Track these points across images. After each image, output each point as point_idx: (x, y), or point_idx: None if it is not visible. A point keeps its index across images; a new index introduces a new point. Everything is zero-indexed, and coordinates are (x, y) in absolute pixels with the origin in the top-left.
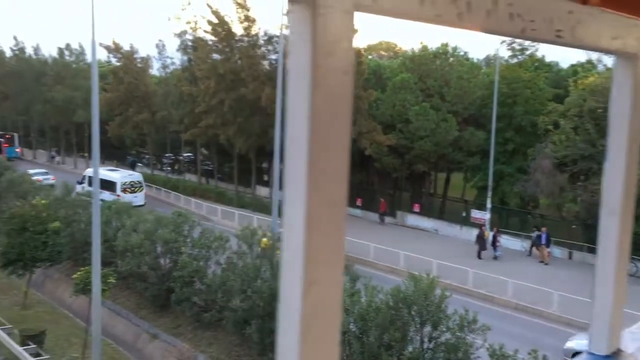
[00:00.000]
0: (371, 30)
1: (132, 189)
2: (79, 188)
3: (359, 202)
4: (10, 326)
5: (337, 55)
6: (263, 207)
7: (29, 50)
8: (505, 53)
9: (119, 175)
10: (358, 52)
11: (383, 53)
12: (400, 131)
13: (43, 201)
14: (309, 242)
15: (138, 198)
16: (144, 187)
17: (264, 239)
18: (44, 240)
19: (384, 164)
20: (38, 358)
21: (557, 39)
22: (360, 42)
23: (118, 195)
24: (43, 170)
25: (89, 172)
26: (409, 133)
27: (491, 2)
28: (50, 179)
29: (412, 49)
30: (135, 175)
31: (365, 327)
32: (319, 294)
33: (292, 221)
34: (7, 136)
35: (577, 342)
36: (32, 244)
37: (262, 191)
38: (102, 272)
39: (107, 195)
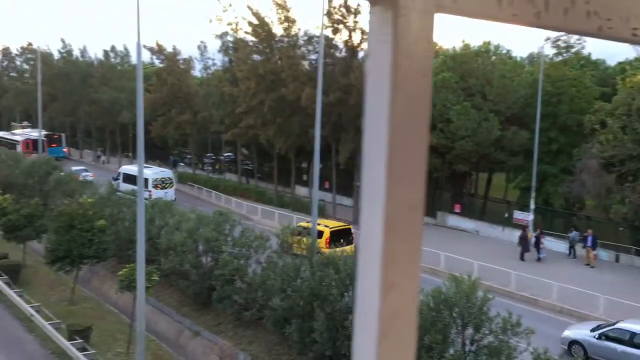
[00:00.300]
0: None
1: (163, 185)
2: (113, 184)
3: None
4: (58, 321)
5: (417, 56)
6: (302, 206)
7: (76, 52)
8: (549, 51)
9: (151, 172)
10: None
11: None
12: (441, 131)
13: (89, 200)
14: (387, 245)
15: (168, 194)
16: (174, 184)
17: (304, 238)
18: (90, 238)
19: None
20: (84, 353)
21: (634, 38)
22: None
23: (149, 191)
24: (82, 168)
25: (124, 169)
26: (449, 133)
27: (569, 0)
28: (89, 176)
29: (454, 47)
30: (166, 172)
31: None
32: (397, 298)
33: (370, 224)
34: (55, 136)
35: (575, 331)
36: (79, 242)
37: (301, 191)
38: (146, 269)
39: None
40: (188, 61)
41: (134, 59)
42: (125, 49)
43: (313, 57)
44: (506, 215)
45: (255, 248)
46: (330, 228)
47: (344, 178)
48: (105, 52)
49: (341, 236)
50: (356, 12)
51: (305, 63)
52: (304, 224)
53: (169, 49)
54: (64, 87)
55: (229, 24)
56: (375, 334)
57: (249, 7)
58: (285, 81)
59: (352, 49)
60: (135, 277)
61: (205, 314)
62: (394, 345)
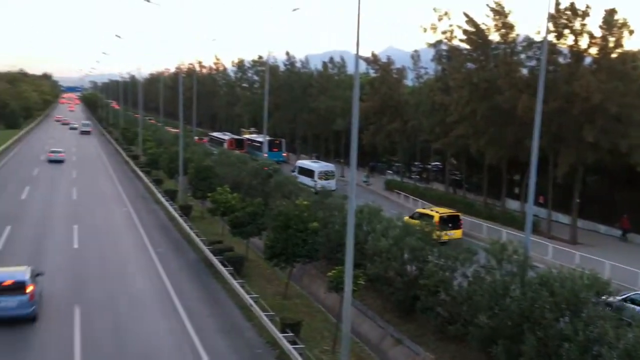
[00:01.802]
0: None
1: (326, 176)
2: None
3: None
4: (272, 313)
5: None
6: (513, 220)
7: (298, 64)
8: None
9: (317, 165)
10: (633, 55)
11: None
12: None
13: (305, 202)
14: None
15: (330, 184)
16: (335, 176)
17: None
18: (304, 238)
19: None
20: (295, 346)
21: None
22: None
23: (315, 181)
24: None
25: (300, 163)
26: None
27: None
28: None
29: None
30: (329, 166)
31: None
32: None
33: None
34: (276, 141)
35: None
36: (294, 241)
37: (512, 204)
38: (353, 273)
39: (308, 181)
40: (401, 70)
41: (350, 70)
42: (342, 59)
43: (532, 63)
44: None
45: (462, 261)
46: (440, 213)
47: (562, 193)
48: (324, 64)
49: (450, 221)
50: (584, 15)
51: (524, 70)
52: (421, 209)
53: (384, 59)
54: (287, 97)
55: (444, 32)
56: None
57: (464, 14)
58: (501, 89)
59: (577, 55)
60: (342, 279)
61: (407, 322)
62: None
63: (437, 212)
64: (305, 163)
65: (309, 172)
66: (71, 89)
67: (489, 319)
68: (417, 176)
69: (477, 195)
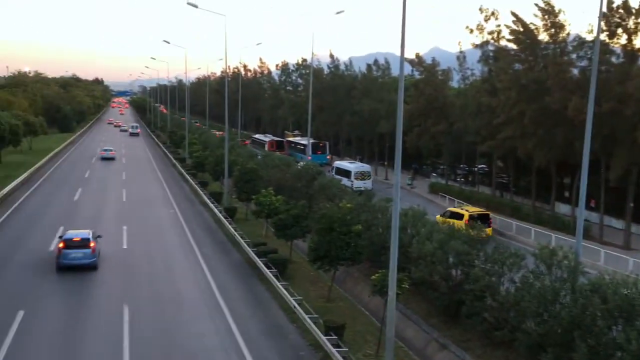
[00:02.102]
0: None
1: (362, 176)
2: (328, 175)
3: None
4: (316, 316)
5: None
6: (563, 225)
7: (342, 67)
8: None
9: (353, 166)
10: None
11: None
12: None
13: (348, 205)
14: None
15: (367, 184)
16: (371, 176)
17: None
18: (347, 241)
19: None
20: (338, 349)
21: None
22: None
23: (352, 181)
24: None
25: (337, 163)
26: None
27: None
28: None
29: None
30: (365, 167)
31: None
32: None
33: None
34: (320, 144)
35: None
36: (338, 244)
37: (561, 208)
38: (397, 276)
39: (345, 181)
40: (446, 72)
41: (394, 72)
42: (387, 61)
43: (583, 64)
44: None
45: (509, 266)
46: (470, 212)
47: (615, 197)
48: (368, 66)
49: (480, 219)
50: (638, 13)
51: (575, 70)
52: (452, 208)
53: (428, 61)
54: (331, 99)
55: (491, 33)
56: None
57: (512, 14)
58: (550, 90)
59: (631, 54)
60: (386, 282)
61: (453, 327)
62: None
63: (467, 210)
64: (342, 164)
65: (345, 173)
66: (121, 94)
67: (537, 326)
68: (463, 179)
69: (525, 198)
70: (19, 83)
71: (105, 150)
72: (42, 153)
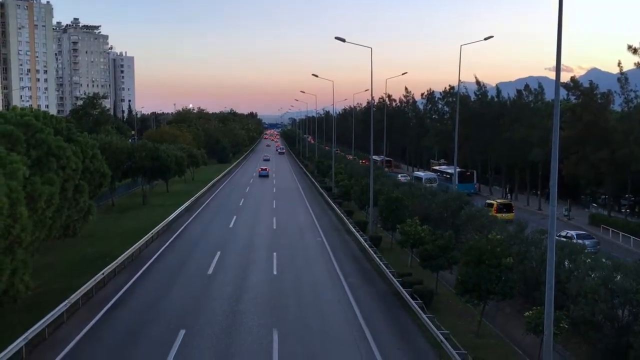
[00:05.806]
0: None
1: (430, 182)
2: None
3: None
4: (464, 351)
5: None
6: None
7: (490, 93)
8: None
9: (423, 174)
10: None
11: None
12: None
13: (498, 236)
14: None
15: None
16: (437, 182)
17: None
18: (497, 275)
19: None
20: None
21: None
22: None
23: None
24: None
25: (415, 173)
26: None
27: None
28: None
29: None
30: (432, 175)
31: None
32: None
33: None
34: (467, 173)
35: None
36: (487, 277)
37: None
38: (554, 314)
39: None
40: (607, 95)
41: (548, 96)
42: (540, 86)
43: None
44: None
45: None
46: (497, 202)
47: None
48: (519, 91)
49: (505, 208)
50: None
51: None
52: (488, 201)
53: (585, 84)
54: (477, 127)
55: None
56: None
57: None
58: None
59: None
60: (542, 320)
61: None
62: None
63: (495, 201)
64: (417, 173)
65: (417, 180)
66: (272, 126)
67: None
68: (628, 210)
69: None
70: (185, 119)
71: (263, 169)
72: (203, 183)
